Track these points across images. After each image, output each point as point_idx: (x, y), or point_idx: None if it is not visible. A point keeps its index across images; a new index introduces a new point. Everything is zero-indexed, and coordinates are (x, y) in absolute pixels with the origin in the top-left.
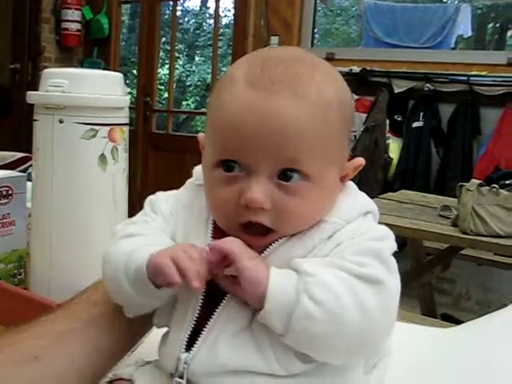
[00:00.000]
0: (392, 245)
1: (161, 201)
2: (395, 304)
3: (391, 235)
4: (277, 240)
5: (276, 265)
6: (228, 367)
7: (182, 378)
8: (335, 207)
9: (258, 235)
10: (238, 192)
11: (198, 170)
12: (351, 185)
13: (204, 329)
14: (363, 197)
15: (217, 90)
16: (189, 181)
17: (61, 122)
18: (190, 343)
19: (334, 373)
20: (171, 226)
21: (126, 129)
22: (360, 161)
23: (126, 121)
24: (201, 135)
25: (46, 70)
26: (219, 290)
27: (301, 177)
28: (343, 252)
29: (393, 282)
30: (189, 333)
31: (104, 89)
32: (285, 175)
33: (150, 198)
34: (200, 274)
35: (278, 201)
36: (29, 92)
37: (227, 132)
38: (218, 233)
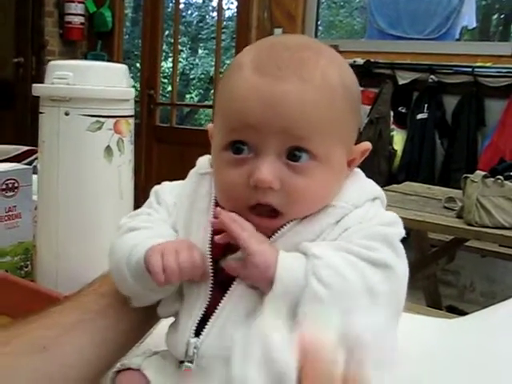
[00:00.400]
0: (400, 231)
1: (165, 191)
2: (403, 289)
3: (399, 221)
4: (285, 224)
5: (284, 249)
6: None
7: (191, 362)
8: (343, 192)
9: (267, 217)
10: (246, 174)
11: (201, 160)
12: (359, 171)
13: (213, 314)
14: (371, 183)
15: (225, 76)
16: (192, 170)
17: (66, 114)
18: (199, 329)
19: None
20: (173, 216)
21: (132, 121)
22: (366, 145)
23: (132, 113)
24: (209, 125)
25: (51, 63)
26: (227, 274)
27: (309, 156)
28: (351, 236)
29: (401, 267)
30: (199, 318)
31: (109, 81)
32: (293, 155)
33: (156, 187)
34: (182, 272)
35: (286, 181)
36: (34, 84)
37: (235, 115)
38: None
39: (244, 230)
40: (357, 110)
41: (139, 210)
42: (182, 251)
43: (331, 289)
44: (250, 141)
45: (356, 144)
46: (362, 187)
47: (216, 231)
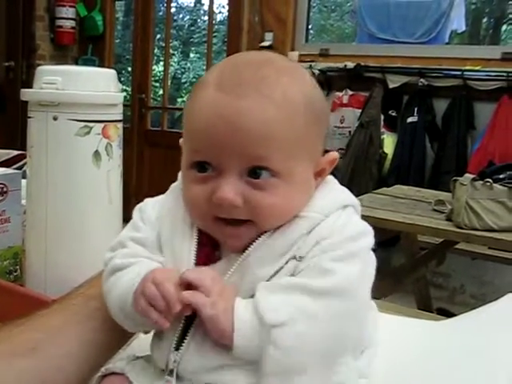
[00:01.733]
0: (368, 242)
1: (148, 208)
2: (364, 305)
3: (369, 231)
4: (257, 238)
5: (259, 261)
6: (216, 364)
7: (171, 375)
8: (313, 202)
9: (235, 224)
10: (209, 190)
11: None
12: (330, 179)
13: (190, 328)
14: (343, 191)
15: (190, 95)
16: (173, 185)
17: (55, 118)
18: (181, 341)
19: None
20: (157, 229)
21: (120, 125)
22: (334, 155)
23: (120, 117)
24: (181, 140)
25: (40, 68)
26: None
27: (270, 173)
28: (319, 257)
29: (362, 285)
30: (178, 333)
31: (98, 86)
32: (254, 173)
33: (139, 205)
34: (168, 294)
35: (249, 197)
36: (23, 89)
37: (197, 134)
38: (203, 234)
39: (196, 294)
40: (321, 123)
41: (121, 236)
42: (162, 286)
43: (290, 351)
44: (212, 161)
45: (346, 146)
46: (332, 196)
47: (201, 241)
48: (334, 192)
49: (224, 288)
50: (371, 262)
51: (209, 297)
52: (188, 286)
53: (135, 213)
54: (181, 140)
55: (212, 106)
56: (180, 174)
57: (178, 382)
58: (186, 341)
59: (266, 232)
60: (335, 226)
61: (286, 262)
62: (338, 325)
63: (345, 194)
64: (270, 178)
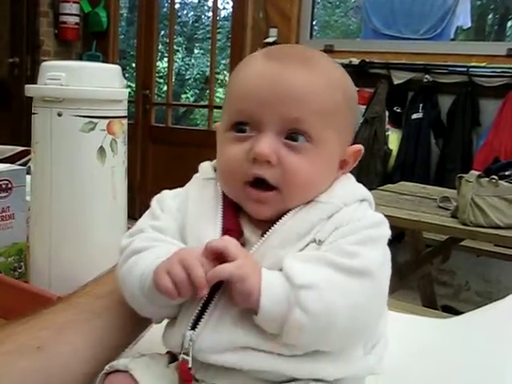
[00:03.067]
0: (387, 231)
1: (167, 198)
2: (385, 292)
3: (386, 222)
4: (278, 220)
5: (279, 243)
6: (231, 344)
7: (187, 355)
8: (333, 191)
9: (262, 189)
10: (247, 148)
11: (204, 166)
12: (350, 176)
13: (208, 307)
14: (360, 186)
15: (236, 68)
16: (195, 175)
17: (59, 114)
18: (196, 322)
19: (335, 353)
20: (179, 220)
21: (125, 121)
22: (358, 147)
23: (125, 113)
24: (217, 124)
25: (44, 63)
26: None
27: (305, 138)
28: (339, 241)
29: (383, 270)
30: (197, 312)
31: (102, 81)
32: (291, 136)
33: (157, 196)
34: (199, 280)
35: (283, 158)
36: (27, 85)
37: (241, 95)
38: (229, 218)
39: (220, 267)
40: (353, 112)
41: (139, 224)
42: (186, 260)
43: (315, 317)
44: (252, 121)
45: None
46: (351, 188)
47: (226, 228)
48: (351, 185)
49: (249, 254)
50: (389, 252)
51: (235, 260)
52: (213, 256)
53: (153, 203)
54: (217, 123)
55: (257, 70)
56: (202, 166)
57: (193, 363)
58: (203, 319)
59: (286, 214)
60: (354, 215)
61: (307, 245)
62: (361, 304)
63: (362, 189)
64: (305, 142)
